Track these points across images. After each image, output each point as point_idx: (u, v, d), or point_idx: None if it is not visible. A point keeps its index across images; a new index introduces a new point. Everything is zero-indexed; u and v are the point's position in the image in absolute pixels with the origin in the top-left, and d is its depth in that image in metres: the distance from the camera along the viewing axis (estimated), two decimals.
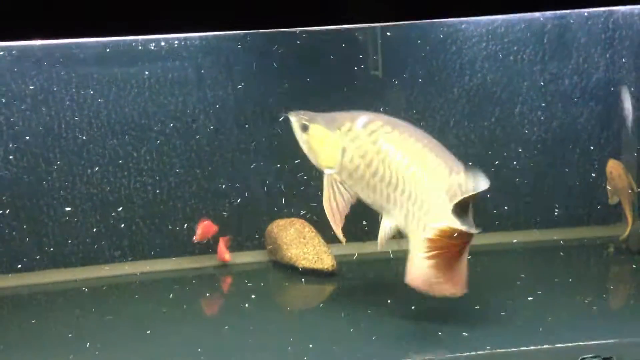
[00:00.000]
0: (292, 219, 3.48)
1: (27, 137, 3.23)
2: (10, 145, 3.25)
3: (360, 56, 3.34)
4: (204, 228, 3.35)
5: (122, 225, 3.36)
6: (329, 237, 3.40)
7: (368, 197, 2.55)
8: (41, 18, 1.85)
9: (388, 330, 2.55)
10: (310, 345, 2.42)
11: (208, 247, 3.44)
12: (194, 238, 3.36)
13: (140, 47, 3.09)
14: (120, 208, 3.33)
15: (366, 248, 3.55)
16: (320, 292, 3.18)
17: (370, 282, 3.20)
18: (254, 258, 3.55)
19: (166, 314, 2.84)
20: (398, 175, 2.44)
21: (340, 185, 2.56)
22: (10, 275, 3.29)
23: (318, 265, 3.23)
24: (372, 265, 3.36)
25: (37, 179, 3.29)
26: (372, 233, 3.49)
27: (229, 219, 3.45)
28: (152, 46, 2.98)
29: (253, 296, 2.98)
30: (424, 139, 2.46)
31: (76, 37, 2.52)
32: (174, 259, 3.46)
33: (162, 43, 3.05)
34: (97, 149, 3.33)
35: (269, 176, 3.45)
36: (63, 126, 3.28)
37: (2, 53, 2.94)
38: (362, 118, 2.52)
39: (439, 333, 2.48)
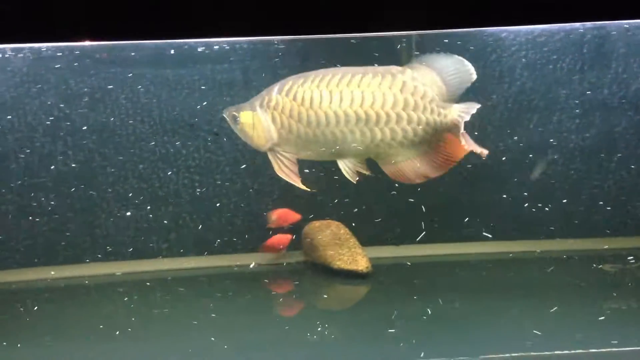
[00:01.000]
0: (329, 220, 3.55)
1: (85, 134, 3.36)
2: (69, 141, 3.39)
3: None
4: (282, 215, 3.39)
5: (169, 220, 3.47)
6: (365, 239, 3.49)
7: (314, 152, 2.66)
8: (102, 20, 1.95)
9: (418, 333, 2.61)
10: (342, 345, 2.49)
11: (247, 245, 3.53)
12: (269, 224, 3.42)
13: (190, 49, 3.19)
14: (169, 203, 3.44)
15: (400, 252, 3.62)
16: (354, 293, 3.25)
17: (403, 285, 3.24)
18: (290, 258, 3.63)
19: (206, 309, 2.94)
20: (345, 107, 2.54)
21: (282, 155, 2.67)
22: (66, 266, 3.44)
23: (353, 267, 3.30)
24: (405, 269, 3.41)
25: (93, 173, 3.43)
26: (405, 237, 3.59)
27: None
28: (202, 49, 3.08)
29: (290, 295, 3.06)
30: (341, 69, 2.60)
31: (132, 39, 2.65)
32: (217, 255, 3.54)
33: (215, 47, 3.15)
34: (148, 146, 3.46)
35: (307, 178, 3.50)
36: (118, 123, 3.41)
37: (61, 53, 3.07)
38: (274, 87, 2.64)
39: (469, 335, 2.53)
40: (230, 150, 3.52)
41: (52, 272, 3.41)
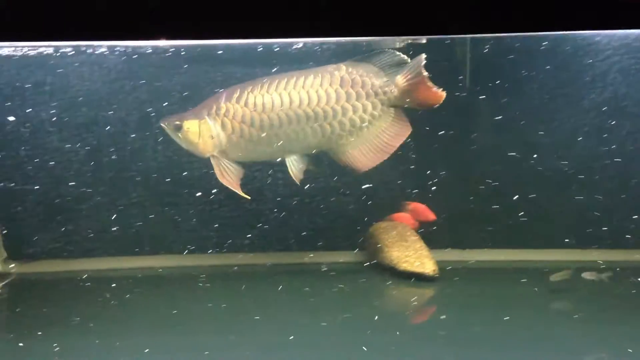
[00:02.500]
0: (394, 221, 3.51)
1: None
2: (159, 137, 3.42)
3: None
4: (418, 209, 3.38)
5: (252, 217, 3.48)
6: (431, 242, 3.43)
7: (264, 154, 2.91)
8: (190, 18, 1.98)
9: (487, 339, 2.55)
10: (408, 349, 2.45)
11: (311, 243, 3.52)
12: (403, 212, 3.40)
13: (277, 49, 3.18)
14: (251, 201, 3.40)
15: (465, 256, 3.55)
16: (421, 296, 3.18)
17: (470, 290, 3.15)
18: (355, 258, 3.60)
19: (268, 304, 2.98)
20: (294, 108, 2.79)
21: (225, 162, 2.88)
22: (148, 257, 3.52)
23: (420, 269, 3.24)
24: (473, 273, 3.33)
25: (180, 169, 3.46)
26: (470, 241, 3.51)
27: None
28: (291, 49, 3.07)
29: (356, 295, 3.04)
30: (284, 74, 2.83)
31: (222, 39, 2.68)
32: (294, 253, 3.56)
33: (300, 46, 3.13)
34: None
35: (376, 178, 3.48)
36: None
37: (149, 51, 3.12)
38: (219, 96, 2.85)
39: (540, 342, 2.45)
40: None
41: (140, 263, 3.51)
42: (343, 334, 2.65)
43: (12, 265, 3.46)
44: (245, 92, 2.83)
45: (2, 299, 3.17)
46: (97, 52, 2.94)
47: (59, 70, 3.18)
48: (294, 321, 2.80)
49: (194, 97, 3.23)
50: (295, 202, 3.50)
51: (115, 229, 3.46)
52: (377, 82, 2.84)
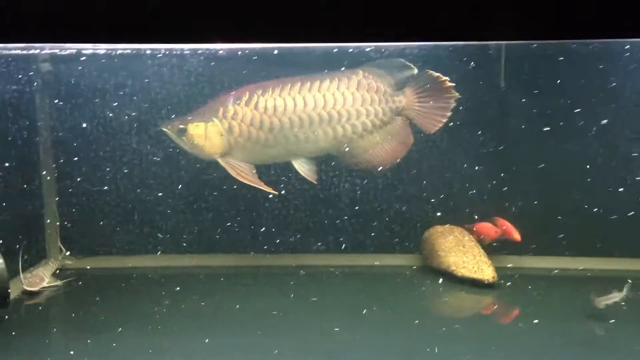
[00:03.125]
0: (452, 226, 3.47)
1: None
2: None
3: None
4: (503, 226, 3.34)
5: (328, 221, 3.49)
6: (488, 248, 3.38)
7: (270, 156, 2.98)
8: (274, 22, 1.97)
9: (548, 347, 2.50)
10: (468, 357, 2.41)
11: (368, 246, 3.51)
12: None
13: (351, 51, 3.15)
14: (329, 205, 3.45)
15: (523, 262, 3.48)
16: (479, 303, 3.14)
17: (530, 298, 3.09)
18: (407, 262, 3.57)
19: (324, 306, 2.97)
20: (309, 110, 2.86)
21: (233, 161, 2.93)
22: (230, 255, 3.54)
23: (478, 276, 3.19)
24: (531, 281, 3.27)
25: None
26: (529, 246, 3.45)
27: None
28: (368, 50, 3.05)
29: (417, 300, 3.02)
30: (297, 77, 2.89)
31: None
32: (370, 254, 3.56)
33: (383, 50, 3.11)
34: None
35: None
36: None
37: (226, 54, 3.11)
38: (226, 99, 2.89)
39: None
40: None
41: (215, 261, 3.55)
42: (411, 339, 2.62)
43: (71, 261, 3.53)
44: (256, 96, 2.87)
45: (67, 294, 3.22)
46: (176, 54, 2.95)
47: (137, 72, 3.22)
48: (358, 324, 2.77)
49: None
50: (361, 206, 3.48)
51: (184, 228, 3.49)
52: (389, 89, 2.94)
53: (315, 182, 3.04)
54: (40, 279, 3.19)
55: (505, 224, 3.32)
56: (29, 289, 3.10)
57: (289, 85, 2.89)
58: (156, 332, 2.67)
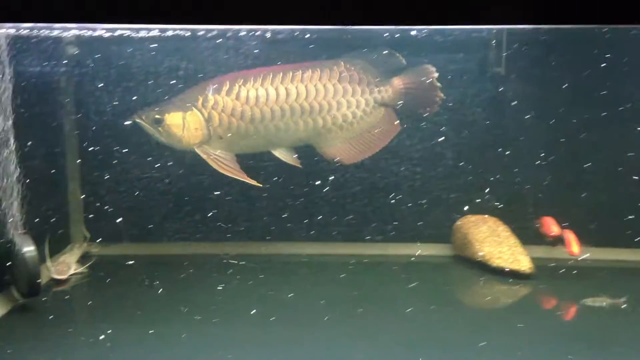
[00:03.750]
0: (484, 215, 3.41)
1: None
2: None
3: None
4: (565, 235, 3.22)
5: (388, 210, 3.42)
6: (523, 238, 3.32)
7: (248, 146, 2.90)
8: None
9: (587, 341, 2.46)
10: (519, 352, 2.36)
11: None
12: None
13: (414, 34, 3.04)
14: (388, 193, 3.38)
15: (555, 253, 3.42)
16: (515, 294, 3.07)
17: (567, 289, 3.04)
18: (437, 251, 3.51)
19: (367, 295, 2.93)
20: (290, 101, 2.81)
21: (215, 153, 2.83)
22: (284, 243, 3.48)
23: (514, 266, 3.14)
24: (567, 273, 3.21)
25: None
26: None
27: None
28: (437, 37, 2.96)
29: (457, 292, 2.99)
30: (279, 67, 2.84)
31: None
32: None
33: (448, 34, 3.02)
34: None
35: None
36: None
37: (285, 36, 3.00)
38: (205, 88, 2.81)
39: None
40: (456, 143, 3.36)
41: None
42: (457, 331, 2.57)
43: (95, 248, 3.46)
44: (237, 85, 2.80)
45: (93, 281, 3.16)
46: (231, 36, 2.84)
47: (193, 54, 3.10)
48: (394, 311, 2.73)
49: None
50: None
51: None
52: (373, 80, 2.91)
53: (300, 166, 2.97)
54: (68, 266, 3.13)
55: (569, 233, 3.21)
56: (57, 277, 3.03)
57: (271, 75, 2.84)
58: (188, 319, 2.63)
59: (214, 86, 2.81)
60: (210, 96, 2.80)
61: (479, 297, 3.10)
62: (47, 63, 3.08)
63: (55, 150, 3.33)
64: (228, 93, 2.81)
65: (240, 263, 3.26)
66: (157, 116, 2.81)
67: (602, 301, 2.76)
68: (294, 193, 3.38)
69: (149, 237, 3.48)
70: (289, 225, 3.42)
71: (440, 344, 2.43)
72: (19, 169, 2.78)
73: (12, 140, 2.73)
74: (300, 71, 2.86)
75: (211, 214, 3.37)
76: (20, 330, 2.56)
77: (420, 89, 2.94)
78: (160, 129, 2.82)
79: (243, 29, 2.67)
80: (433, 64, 3.02)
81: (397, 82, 2.94)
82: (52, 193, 3.31)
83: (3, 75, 2.66)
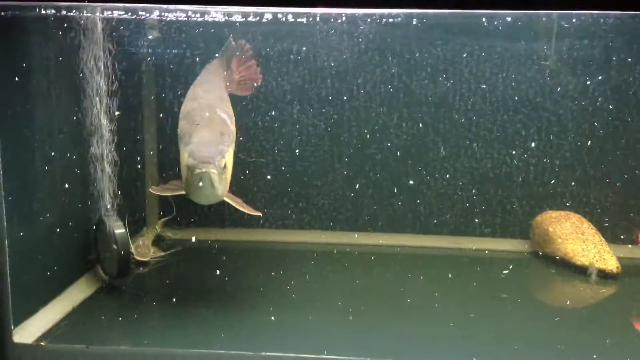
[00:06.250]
0: (567, 212, 3.32)
1: (422, 107, 3.25)
2: (405, 113, 3.29)
3: None
4: None
5: (495, 203, 3.37)
6: (608, 237, 3.22)
7: None
8: None
9: None
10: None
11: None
12: None
13: (545, 22, 2.96)
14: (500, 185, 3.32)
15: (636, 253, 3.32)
16: (601, 293, 2.99)
17: None
18: (514, 247, 3.43)
19: (436, 287, 2.89)
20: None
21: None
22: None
23: (600, 265, 3.05)
24: None
25: (425, 148, 3.32)
26: None
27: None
28: (564, 23, 2.88)
29: (542, 289, 2.95)
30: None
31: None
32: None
33: (574, 20, 2.91)
34: (485, 124, 3.28)
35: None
36: (457, 98, 3.25)
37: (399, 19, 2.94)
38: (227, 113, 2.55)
39: None
40: (575, 134, 3.27)
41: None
42: (553, 330, 2.52)
43: (168, 232, 3.47)
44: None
45: (173, 264, 3.17)
46: (343, 20, 2.78)
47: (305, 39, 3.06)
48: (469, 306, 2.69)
49: (449, 72, 3.00)
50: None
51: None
52: (228, 70, 2.86)
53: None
54: (148, 248, 3.15)
55: None
56: (139, 258, 3.05)
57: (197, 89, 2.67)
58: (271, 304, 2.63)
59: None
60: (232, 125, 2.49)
61: (565, 296, 3.03)
62: (133, 46, 3.09)
63: (137, 136, 3.34)
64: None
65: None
66: (219, 158, 2.16)
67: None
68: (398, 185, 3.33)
69: (223, 223, 3.48)
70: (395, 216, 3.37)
71: (529, 342, 2.38)
72: (110, 154, 2.81)
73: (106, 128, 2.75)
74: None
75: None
76: (109, 310, 2.59)
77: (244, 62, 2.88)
78: (224, 175, 2.19)
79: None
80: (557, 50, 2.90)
81: (234, 65, 2.88)
82: (134, 177, 3.33)
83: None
